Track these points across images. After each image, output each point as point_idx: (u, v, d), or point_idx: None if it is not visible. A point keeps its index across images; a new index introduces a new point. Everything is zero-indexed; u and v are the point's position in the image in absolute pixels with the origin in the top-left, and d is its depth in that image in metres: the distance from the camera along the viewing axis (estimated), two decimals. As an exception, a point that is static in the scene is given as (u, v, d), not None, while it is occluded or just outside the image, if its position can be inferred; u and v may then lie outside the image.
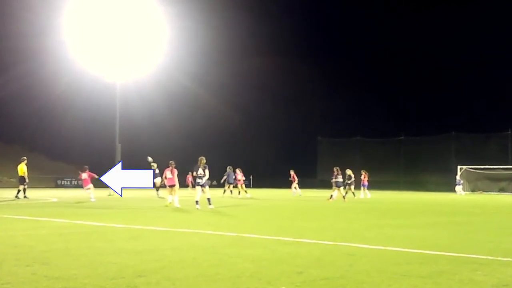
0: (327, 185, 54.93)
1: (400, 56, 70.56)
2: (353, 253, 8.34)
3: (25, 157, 29.03)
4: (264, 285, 5.80)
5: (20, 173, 28.24)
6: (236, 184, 35.01)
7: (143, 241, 9.81)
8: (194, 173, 20.43)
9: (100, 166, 38.42)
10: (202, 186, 19.97)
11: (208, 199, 19.91)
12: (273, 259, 7.62)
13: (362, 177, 34.76)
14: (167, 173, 23.18)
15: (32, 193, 28.24)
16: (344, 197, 29.10)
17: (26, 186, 28.10)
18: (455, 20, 67.08)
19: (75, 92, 68.63)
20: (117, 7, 54.76)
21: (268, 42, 72.98)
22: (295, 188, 37.84)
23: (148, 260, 7.37)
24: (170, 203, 21.41)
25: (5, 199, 26.76)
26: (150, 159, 30.51)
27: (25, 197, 27.34)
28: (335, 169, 29.39)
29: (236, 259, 7.55)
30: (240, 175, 35.23)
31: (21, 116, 69.83)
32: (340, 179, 29.33)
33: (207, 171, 20.00)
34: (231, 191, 34.83)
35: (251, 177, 61.59)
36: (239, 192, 34.33)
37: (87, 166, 28.46)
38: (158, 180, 30.20)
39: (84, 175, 27.67)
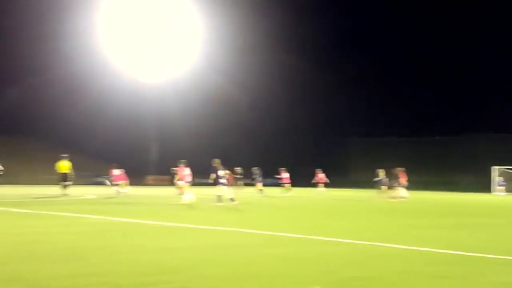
0: (358, 184, 54.68)
1: (433, 56, 69.64)
2: (386, 253, 8.24)
3: (65, 155, 29.30)
4: (298, 285, 5.76)
5: (60, 170, 28.49)
6: (281, 183, 35.56)
7: (177, 238, 9.86)
8: (215, 174, 20.91)
9: (136, 164, 38.89)
10: (224, 184, 20.74)
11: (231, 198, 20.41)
12: (307, 259, 7.56)
13: (399, 176, 34.14)
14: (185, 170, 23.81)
15: (71, 191, 28.63)
16: (387, 197, 29.21)
17: (68, 183, 28.32)
18: (485, 18, 65.99)
19: (112, 92, 69.42)
20: (152, 7, 55.03)
21: (299, 40, 72.83)
22: (321, 187, 37.72)
23: (181, 257, 7.40)
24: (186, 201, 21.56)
25: (45, 196, 27.20)
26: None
27: (65, 194, 27.62)
28: (378, 171, 30.33)
29: (269, 258, 7.51)
30: (285, 175, 35.70)
31: (61, 115, 71.00)
32: (384, 179, 29.92)
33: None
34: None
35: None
36: (284, 191, 34.82)
37: (116, 164, 29.39)
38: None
39: (116, 172, 28.80)
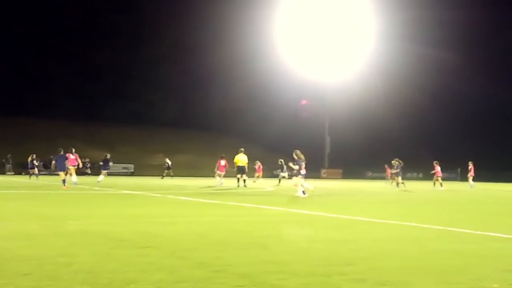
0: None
1: None
2: None
3: (242, 148, 30.66)
4: (474, 282, 5.55)
5: (238, 163, 29.94)
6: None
7: (349, 231, 9.95)
8: (297, 166, 20.93)
9: (311, 158, 39.63)
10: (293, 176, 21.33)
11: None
12: (483, 255, 7.23)
13: None
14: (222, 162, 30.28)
15: (250, 183, 29.99)
16: None
17: (244, 176, 29.80)
18: None
19: (288, 88, 71.18)
20: (324, 7, 55.25)
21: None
22: (439, 183, 35.39)
23: (353, 250, 7.48)
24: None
25: (224, 188, 28.80)
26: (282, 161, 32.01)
27: (244, 186, 29.05)
28: None
29: (442, 253, 7.31)
30: (438, 168, 34.68)
31: (238, 110, 74.45)
32: None
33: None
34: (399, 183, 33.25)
35: (458, 170, 58.81)
36: (435, 184, 33.95)
37: (223, 155, 31.47)
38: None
39: (222, 162, 31.46)
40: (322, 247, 7.71)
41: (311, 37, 61.96)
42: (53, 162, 19.42)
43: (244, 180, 29.53)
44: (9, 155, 55.56)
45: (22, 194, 19.68)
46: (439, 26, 67.07)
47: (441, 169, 35.03)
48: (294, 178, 21.17)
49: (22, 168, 51.59)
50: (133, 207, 14.87)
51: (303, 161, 20.85)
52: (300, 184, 20.59)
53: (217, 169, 31.57)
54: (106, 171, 32.87)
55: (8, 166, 55.28)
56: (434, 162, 34.96)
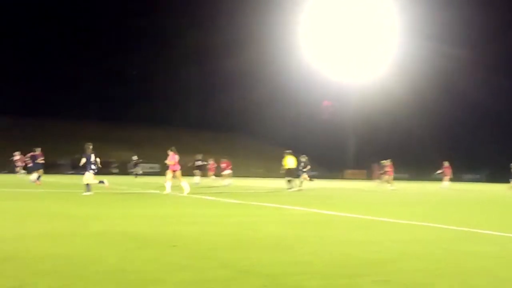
0: None
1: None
2: None
3: (289, 151, 28.91)
4: (496, 284, 5.50)
5: (286, 166, 28.42)
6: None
7: (371, 231, 9.86)
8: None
9: (335, 158, 39.62)
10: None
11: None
12: (505, 257, 7.12)
13: None
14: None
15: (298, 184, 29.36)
16: None
17: (291, 178, 28.11)
18: None
19: (311, 89, 71.04)
20: (352, 8, 54.92)
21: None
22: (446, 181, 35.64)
23: (376, 251, 7.41)
24: None
25: (268, 189, 28.79)
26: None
27: (290, 188, 27.40)
28: None
29: (464, 255, 7.22)
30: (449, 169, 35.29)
31: (260, 112, 74.56)
32: None
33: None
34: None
35: (483, 171, 58.09)
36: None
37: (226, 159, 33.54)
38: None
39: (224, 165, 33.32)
40: (345, 248, 7.66)
41: (335, 38, 61.65)
42: (83, 159, 19.43)
43: (290, 181, 28.05)
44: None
45: (49, 193, 19.92)
46: (466, 26, 66.22)
47: (467, 171, 35.24)
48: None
49: (51, 168, 52.27)
50: (157, 206, 14.98)
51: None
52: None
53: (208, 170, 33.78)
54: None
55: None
56: (443, 162, 35.08)
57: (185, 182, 21.28)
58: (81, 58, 79.40)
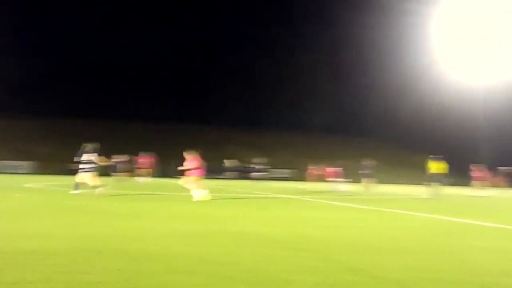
0: None
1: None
2: None
3: (432, 155, 27.78)
4: None
5: (432, 171, 27.06)
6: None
7: (504, 240, 9.38)
8: None
9: (463, 162, 38.04)
10: None
11: None
12: None
13: None
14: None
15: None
16: None
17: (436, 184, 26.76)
18: None
19: (441, 91, 68.48)
20: (486, 10, 52.24)
21: None
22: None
23: (507, 259, 7.09)
24: None
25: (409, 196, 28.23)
26: None
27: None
28: None
29: None
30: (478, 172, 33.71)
31: (394, 116, 72.97)
32: None
33: None
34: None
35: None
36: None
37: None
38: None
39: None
40: (477, 256, 7.35)
41: (467, 39, 58.80)
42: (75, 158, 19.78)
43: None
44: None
45: (184, 196, 20.86)
46: None
47: None
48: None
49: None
50: (288, 210, 15.21)
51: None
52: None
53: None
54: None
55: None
56: (472, 165, 33.48)
57: (198, 190, 18.17)
58: (219, 65, 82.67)
